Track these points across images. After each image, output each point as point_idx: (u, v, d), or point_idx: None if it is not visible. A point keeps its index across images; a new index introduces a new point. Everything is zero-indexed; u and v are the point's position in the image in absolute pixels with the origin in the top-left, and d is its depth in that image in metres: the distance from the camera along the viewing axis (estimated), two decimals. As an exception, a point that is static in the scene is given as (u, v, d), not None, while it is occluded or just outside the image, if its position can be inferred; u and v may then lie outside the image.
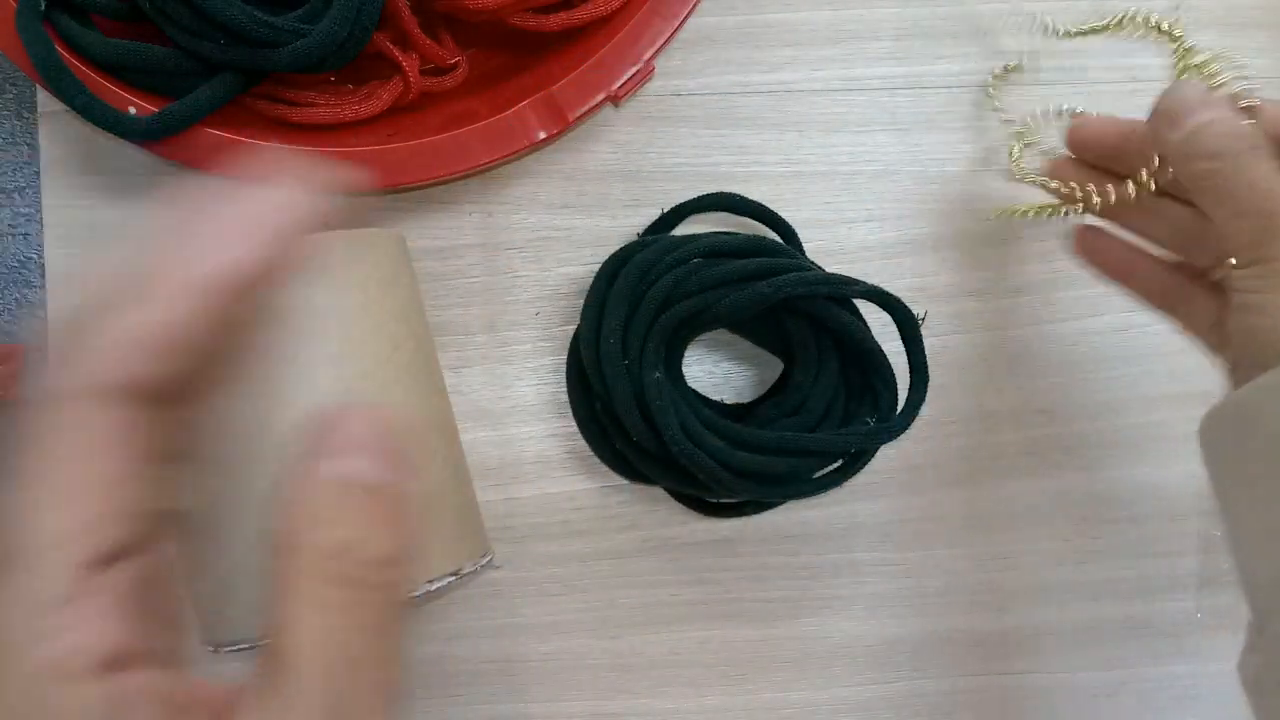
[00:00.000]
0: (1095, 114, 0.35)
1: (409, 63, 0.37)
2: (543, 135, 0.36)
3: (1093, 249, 0.36)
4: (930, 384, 0.38)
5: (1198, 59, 0.33)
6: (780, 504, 0.40)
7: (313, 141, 0.36)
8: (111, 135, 0.35)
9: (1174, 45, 0.35)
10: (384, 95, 0.37)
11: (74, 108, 0.34)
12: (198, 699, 0.17)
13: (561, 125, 0.36)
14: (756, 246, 0.37)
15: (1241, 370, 0.30)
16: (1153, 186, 0.32)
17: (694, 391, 0.38)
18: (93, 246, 0.39)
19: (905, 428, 0.37)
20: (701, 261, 0.37)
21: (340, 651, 0.17)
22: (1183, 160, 0.29)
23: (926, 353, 0.38)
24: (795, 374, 0.38)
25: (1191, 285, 0.33)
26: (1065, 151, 0.36)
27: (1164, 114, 0.30)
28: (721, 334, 0.41)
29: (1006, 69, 0.39)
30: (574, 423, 0.39)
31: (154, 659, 0.17)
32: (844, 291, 0.36)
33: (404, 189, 0.40)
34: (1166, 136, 0.29)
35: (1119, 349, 0.42)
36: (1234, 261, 0.28)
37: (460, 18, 0.37)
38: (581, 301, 0.38)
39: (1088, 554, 0.41)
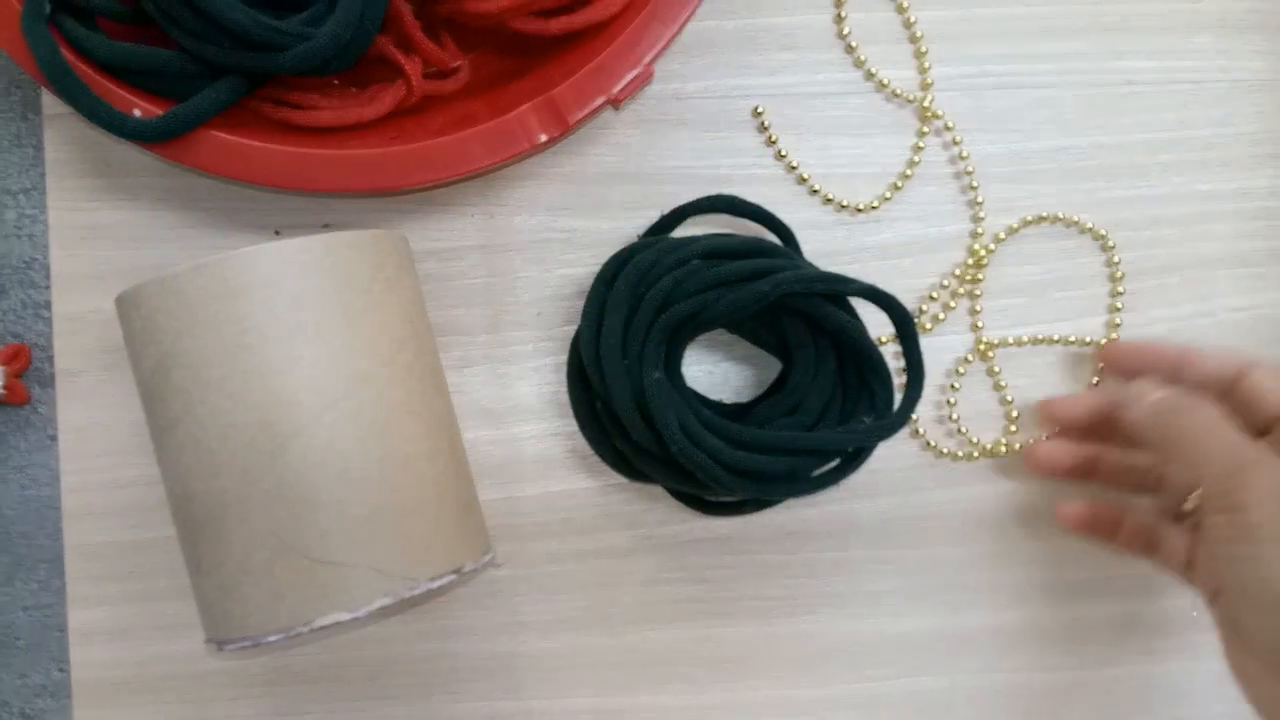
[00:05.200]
0: (1058, 396, 0.41)
1: (412, 66, 0.37)
2: (544, 138, 0.36)
3: (1080, 520, 0.40)
4: (926, 382, 0.38)
5: None
6: (779, 502, 0.40)
7: (317, 144, 0.36)
8: (116, 137, 0.35)
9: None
10: (387, 98, 0.37)
11: (79, 110, 0.35)
12: None
13: (562, 128, 0.36)
14: (755, 248, 0.38)
15: (1223, 607, 0.34)
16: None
17: (693, 391, 0.38)
18: (96, 247, 0.40)
19: (902, 425, 0.37)
20: (701, 263, 0.37)
21: None
22: (1151, 428, 0.35)
23: (922, 351, 0.38)
24: (793, 374, 0.38)
25: (1164, 529, 0.38)
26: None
27: (1126, 402, 0.37)
28: (720, 334, 0.41)
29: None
30: (574, 422, 0.39)
31: None
32: (840, 290, 0.37)
33: (406, 191, 0.40)
34: (1131, 416, 0.36)
35: (1114, 349, 0.42)
36: (1204, 509, 0.33)
37: (462, 21, 0.37)
38: (582, 302, 0.38)
39: (1086, 553, 0.42)
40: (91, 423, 0.39)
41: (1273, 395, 0.35)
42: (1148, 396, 0.36)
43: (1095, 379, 0.42)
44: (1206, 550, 0.35)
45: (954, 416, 0.42)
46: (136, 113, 0.35)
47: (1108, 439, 0.40)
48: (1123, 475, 0.39)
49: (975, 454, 0.41)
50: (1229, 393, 0.37)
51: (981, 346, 0.42)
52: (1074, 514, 0.39)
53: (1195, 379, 0.37)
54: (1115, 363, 0.40)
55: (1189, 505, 0.38)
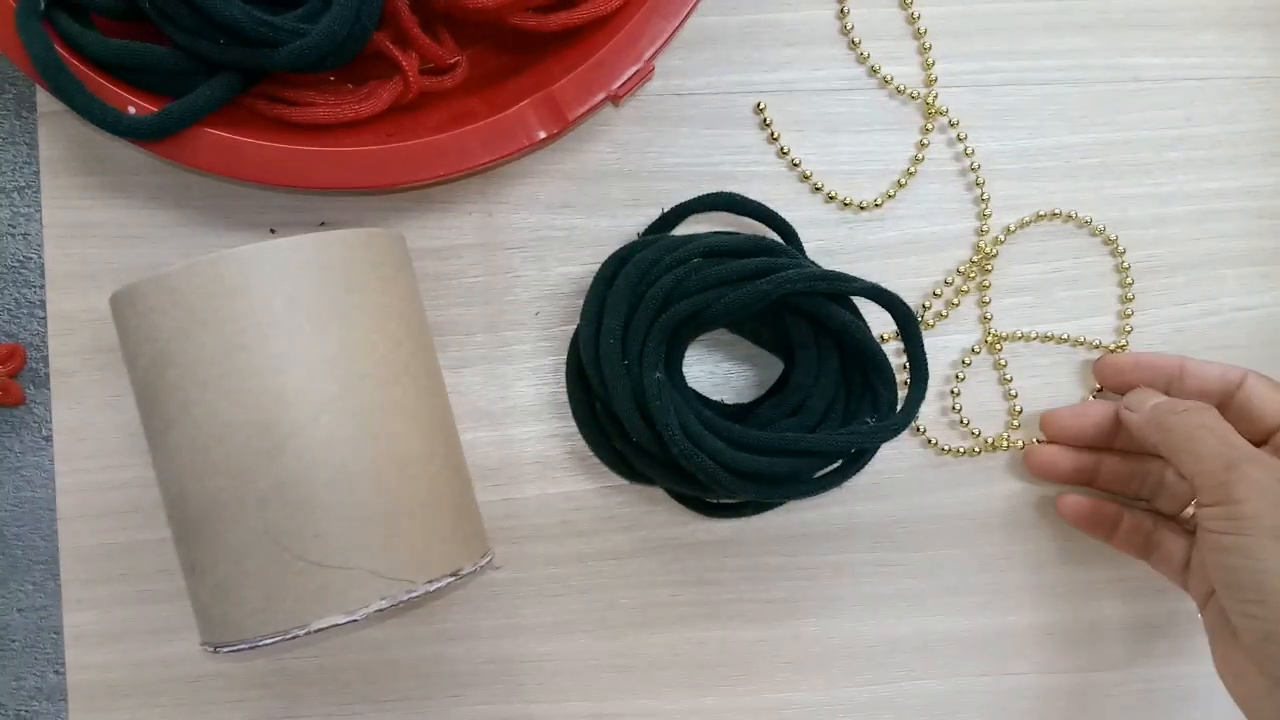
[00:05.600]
0: (1060, 408, 0.41)
1: (409, 62, 0.37)
2: (542, 135, 0.36)
3: (1079, 514, 0.40)
4: (930, 382, 0.38)
5: None
6: (780, 504, 0.40)
7: (313, 141, 0.36)
8: (110, 135, 0.35)
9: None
10: (384, 95, 0.37)
11: (73, 107, 0.34)
12: None
13: (561, 125, 0.36)
14: (757, 246, 0.37)
15: (1213, 609, 0.35)
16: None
17: (694, 392, 0.38)
18: (91, 246, 0.39)
19: (905, 426, 0.37)
20: (701, 261, 0.37)
21: None
22: (1151, 430, 0.36)
23: (926, 351, 0.38)
24: (795, 374, 0.38)
25: (1161, 531, 0.38)
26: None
27: (1128, 405, 0.38)
28: (721, 334, 0.41)
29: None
30: (574, 423, 0.39)
31: None
32: (843, 288, 0.36)
33: (404, 189, 0.40)
34: (1131, 420, 0.37)
35: (1120, 349, 0.42)
36: (1199, 502, 0.33)
37: (460, 17, 0.37)
38: (581, 301, 0.38)
39: (1088, 554, 0.41)
40: (86, 423, 0.39)
41: (1270, 405, 0.36)
42: (1147, 402, 0.37)
43: (1092, 394, 0.41)
44: (1200, 547, 0.35)
45: (957, 407, 0.41)
46: (131, 110, 0.35)
47: (1107, 447, 0.40)
48: (1122, 482, 0.40)
49: (977, 449, 0.41)
50: (1227, 403, 0.37)
51: (990, 338, 0.41)
52: (1074, 507, 0.40)
53: (1193, 389, 0.38)
54: (1112, 375, 0.40)
55: (1189, 513, 0.38)
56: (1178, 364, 0.39)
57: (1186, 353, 0.42)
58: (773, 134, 0.41)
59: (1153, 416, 0.36)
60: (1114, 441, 0.40)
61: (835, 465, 0.37)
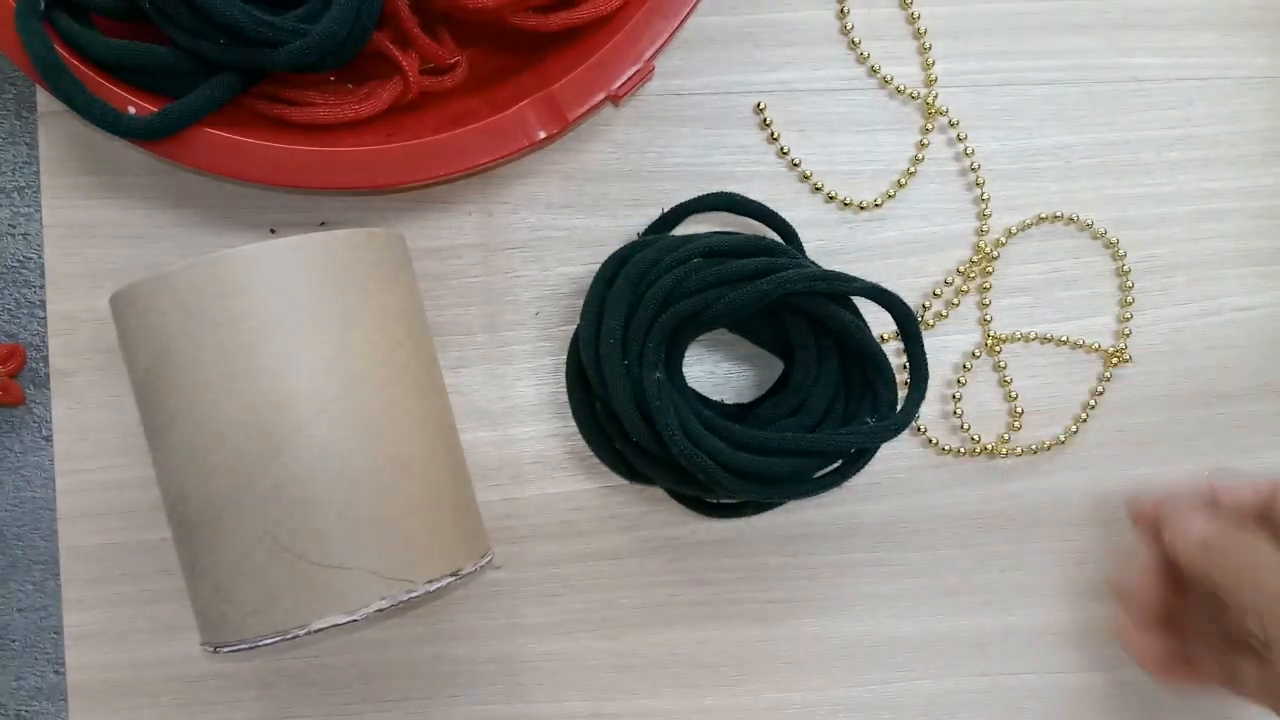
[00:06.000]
0: (1131, 588, 0.38)
1: (409, 62, 0.37)
2: (543, 135, 0.36)
3: (1169, 671, 0.37)
4: (930, 382, 0.38)
5: None
6: (780, 504, 0.40)
7: (313, 141, 0.36)
8: (111, 135, 0.35)
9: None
10: (384, 95, 0.37)
11: (73, 107, 0.34)
12: None
13: (561, 125, 0.36)
14: (756, 246, 0.37)
15: None
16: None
17: (694, 392, 0.38)
18: (91, 246, 0.39)
19: (905, 426, 0.37)
20: (701, 261, 0.37)
21: None
22: (1198, 558, 0.34)
23: (926, 351, 0.38)
24: (795, 374, 0.38)
25: (1234, 658, 0.35)
26: None
27: (1171, 527, 0.35)
28: (721, 334, 0.41)
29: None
30: (574, 423, 0.39)
31: None
32: (843, 288, 0.36)
33: (404, 189, 0.40)
34: (1179, 550, 0.35)
35: (1120, 349, 0.42)
36: (1276, 645, 0.31)
37: (460, 17, 0.37)
38: (581, 301, 0.38)
39: (1088, 554, 0.41)
40: (86, 423, 0.39)
41: None
42: (1192, 530, 0.35)
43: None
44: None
45: (958, 411, 0.41)
46: (131, 110, 0.35)
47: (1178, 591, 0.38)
48: (1200, 619, 0.37)
49: (978, 449, 0.41)
50: (1268, 515, 0.35)
51: (989, 340, 0.41)
52: (1164, 668, 0.37)
53: (1228, 509, 0.36)
54: (1144, 516, 0.38)
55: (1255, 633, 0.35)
56: (1206, 489, 0.37)
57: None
58: (773, 134, 0.41)
59: (1203, 552, 0.34)
60: (1181, 588, 0.37)
61: (835, 465, 0.37)
